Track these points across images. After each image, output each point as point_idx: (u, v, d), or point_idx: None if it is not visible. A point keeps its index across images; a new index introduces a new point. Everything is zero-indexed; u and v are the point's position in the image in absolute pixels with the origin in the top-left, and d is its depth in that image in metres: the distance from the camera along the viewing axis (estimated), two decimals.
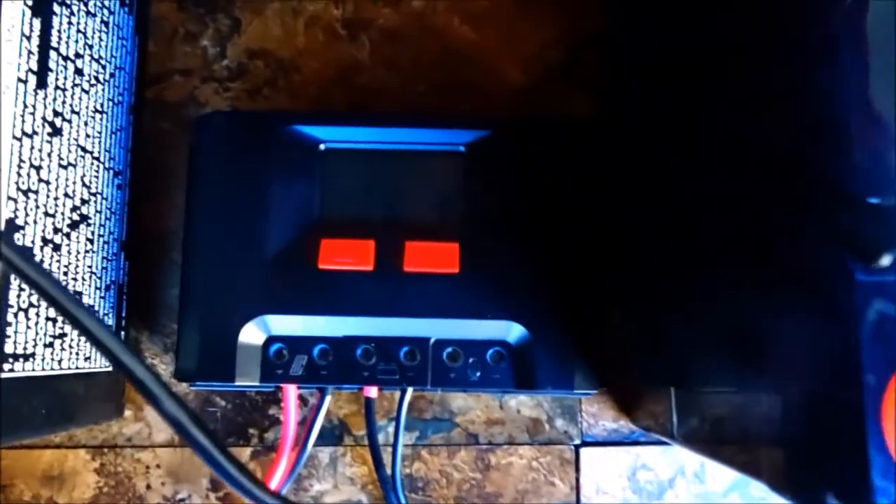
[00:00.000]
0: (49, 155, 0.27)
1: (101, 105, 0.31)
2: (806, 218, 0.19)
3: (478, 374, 0.30)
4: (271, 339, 0.30)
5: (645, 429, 0.34)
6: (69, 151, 0.29)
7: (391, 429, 0.34)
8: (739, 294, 0.23)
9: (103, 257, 0.32)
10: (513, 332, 0.30)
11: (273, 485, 0.32)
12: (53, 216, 0.28)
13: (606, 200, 0.32)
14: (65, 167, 0.28)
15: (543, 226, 0.31)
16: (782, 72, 0.21)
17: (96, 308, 0.31)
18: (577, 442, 0.35)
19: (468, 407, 0.35)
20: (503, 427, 0.35)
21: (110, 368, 0.32)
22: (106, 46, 0.31)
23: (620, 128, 0.33)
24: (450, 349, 0.30)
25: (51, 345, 0.27)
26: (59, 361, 0.28)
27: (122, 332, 0.34)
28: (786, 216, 0.20)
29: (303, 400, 0.35)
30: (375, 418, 0.32)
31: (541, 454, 0.34)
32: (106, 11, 0.31)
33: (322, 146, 0.31)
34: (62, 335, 0.28)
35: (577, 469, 0.34)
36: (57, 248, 0.28)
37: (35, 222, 0.26)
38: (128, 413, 0.35)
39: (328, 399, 0.32)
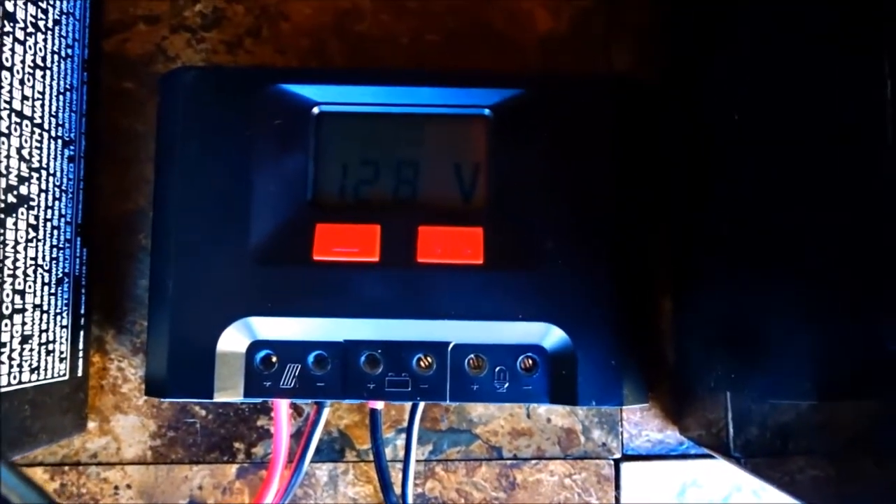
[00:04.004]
0: None
1: (43, 59, 0.26)
2: None
3: (506, 385, 0.27)
4: (257, 345, 0.27)
5: (696, 440, 0.30)
6: None
7: (401, 442, 0.31)
8: (848, 288, 0.21)
9: (52, 245, 0.27)
10: (550, 336, 0.27)
11: None
12: None
13: (663, 175, 0.29)
14: None
15: (585, 206, 0.27)
16: None
17: (46, 307, 0.26)
18: (617, 455, 0.32)
19: (490, 416, 0.31)
20: (531, 439, 0.31)
21: (67, 376, 0.28)
22: None
23: (687, 87, 0.29)
24: (472, 356, 0.27)
25: None
26: None
27: (82, 332, 0.29)
28: None
29: (297, 409, 0.31)
30: (382, 430, 0.29)
31: (575, 470, 0.31)
32: None
33: (315, 109, 0.28)
34: None
35: (617, 487, 0.31)
36: None
37: None
38: (91, 426, 0.31)
39: (326, 410, 0.29)
